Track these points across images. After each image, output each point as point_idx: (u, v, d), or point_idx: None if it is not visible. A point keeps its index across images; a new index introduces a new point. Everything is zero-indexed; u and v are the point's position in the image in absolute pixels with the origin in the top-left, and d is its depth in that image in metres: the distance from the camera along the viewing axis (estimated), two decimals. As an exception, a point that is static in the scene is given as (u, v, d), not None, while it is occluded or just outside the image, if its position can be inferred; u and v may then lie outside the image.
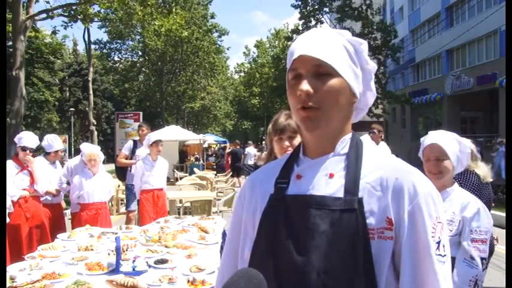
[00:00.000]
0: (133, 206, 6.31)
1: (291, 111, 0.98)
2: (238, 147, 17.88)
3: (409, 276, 0.88)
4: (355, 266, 0.86)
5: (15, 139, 4.57)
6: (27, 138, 4.49)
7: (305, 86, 0.91)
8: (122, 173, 6.78)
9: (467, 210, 1.94)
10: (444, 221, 0.92)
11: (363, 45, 1.00)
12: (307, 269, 0.88)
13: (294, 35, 25.44)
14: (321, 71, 0.92)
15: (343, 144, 0.98)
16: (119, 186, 9.41)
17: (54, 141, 4.92)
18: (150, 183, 5.41)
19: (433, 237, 0.88)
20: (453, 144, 2.03)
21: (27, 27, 11.39)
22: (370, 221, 0.89)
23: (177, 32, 17.35)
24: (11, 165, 4.40)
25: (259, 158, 16.62)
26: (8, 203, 3.99)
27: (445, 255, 0.89)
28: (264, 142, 37.08)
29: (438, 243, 0.89)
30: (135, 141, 6.65)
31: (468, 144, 2.90)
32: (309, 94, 0.91)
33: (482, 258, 1.84)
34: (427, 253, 0.88)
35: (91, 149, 4.73)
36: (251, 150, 17.31)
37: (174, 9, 13.61)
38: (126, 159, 6.47)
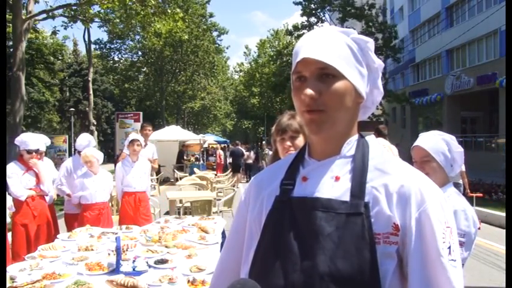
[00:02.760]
0: None
1: (296, 111, 0.97)
2: (237, 146, 19.08)
3: (419, 283, 0.87)
4: (360, 270, 0.85)
5: (18, 142, 4.60)
6: (31, 141, 4.54)
7: (309, 90, 0.90)
8: None
9: None
10: (453, 225, 0.91)
11: (369, 43, 0.98)
12: (311, 272, 0.87)
13: (296, 32, 25.44)
14: (325, 73, 0.91)
15: (349, 146, 0.97)
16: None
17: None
18: (131, 185, 5.11)
19: (444, 242, 0.87)
20: (438, 145, 2.00)
21: (28, 28, 11.40)
22: (376, 225, 0.88)
23: (176, 35, 17.36)
24: (16, 166, 4.50)
25: (248, 157, 18.70)
26: (9, 203, 4.01)
27: (455, 260, 0.88)
28: (263, 142, 37.11)
29: (449, 248, 0.88)
30: None
31: (383, 143, 2.89)
32: (313, 98, 0.90)
33: None
34: (438, 260, 0.87)
35: (84, 151, 4.74)
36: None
37: (176, 15, 13.51)
38: None
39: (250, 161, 18.76)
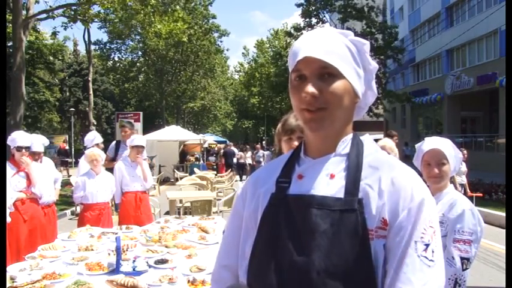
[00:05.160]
0: None
1: (294, 110, 0.99)
2: (230, 147, 21.32)
3: (392, 273, 0.89)
4: (355, 265, 0.87)
5: (8, 141, 4.34)
6: (20, 138, 4.29)
7: (310, 88, 0.91)
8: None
9: (451, 212, 2.00)
10: (437, 227, 0.92)
11: (366, 45, 1.00)
12: (307, 268, 0.88)
13: (296, 33, 25.41)
14: (326, 72, 0.93)
15: (344, 145, 0.99)
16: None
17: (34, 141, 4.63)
18: (131, 184, 5.09)
19: (422, 238, 0.88)
20: (450, 150, 2.10)
21: (28, 28, 11.40)
22: (369, 221, 0.90)
23: (177, 37, 17.36)
24: (7, 166, 4.19)
25: (240, 157, 20.33)
26: (9, 203, 3.98)
27: (432, 260, 0.88)
28: (264, 142, 37.13)
29: (427, 245, 0.89)
30: (117, 142, 6.39)
31: (390, 144, 3.10)
32: (315, 96, 0.91)
33: (463, 258, 1.87)
34: (411, 254, 0.88)
35: (91, 150, 4.73)
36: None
37: (176, 13, 13.52)
38: (112, 161, 6.06)
39: (242, 161, 20.39)
